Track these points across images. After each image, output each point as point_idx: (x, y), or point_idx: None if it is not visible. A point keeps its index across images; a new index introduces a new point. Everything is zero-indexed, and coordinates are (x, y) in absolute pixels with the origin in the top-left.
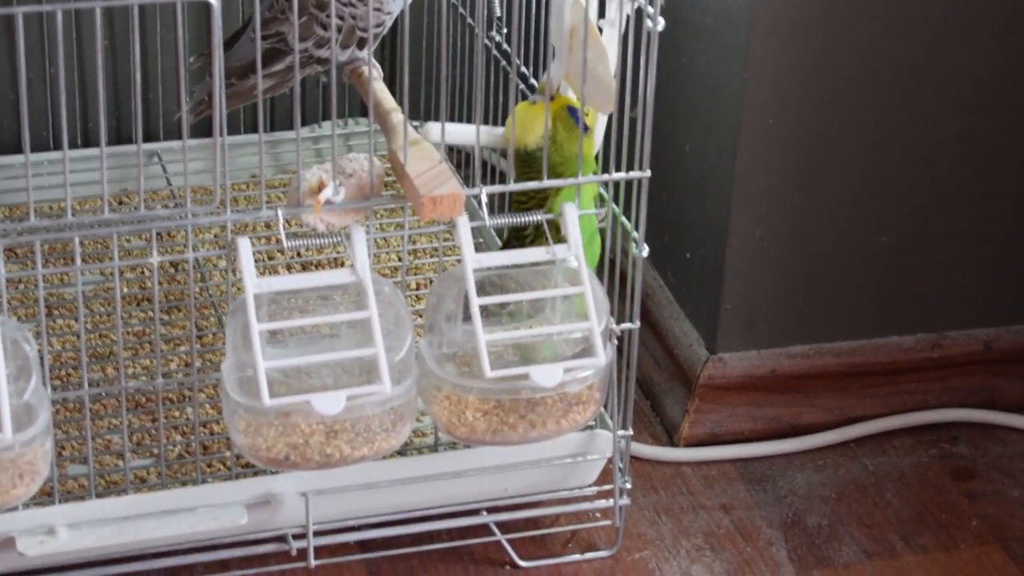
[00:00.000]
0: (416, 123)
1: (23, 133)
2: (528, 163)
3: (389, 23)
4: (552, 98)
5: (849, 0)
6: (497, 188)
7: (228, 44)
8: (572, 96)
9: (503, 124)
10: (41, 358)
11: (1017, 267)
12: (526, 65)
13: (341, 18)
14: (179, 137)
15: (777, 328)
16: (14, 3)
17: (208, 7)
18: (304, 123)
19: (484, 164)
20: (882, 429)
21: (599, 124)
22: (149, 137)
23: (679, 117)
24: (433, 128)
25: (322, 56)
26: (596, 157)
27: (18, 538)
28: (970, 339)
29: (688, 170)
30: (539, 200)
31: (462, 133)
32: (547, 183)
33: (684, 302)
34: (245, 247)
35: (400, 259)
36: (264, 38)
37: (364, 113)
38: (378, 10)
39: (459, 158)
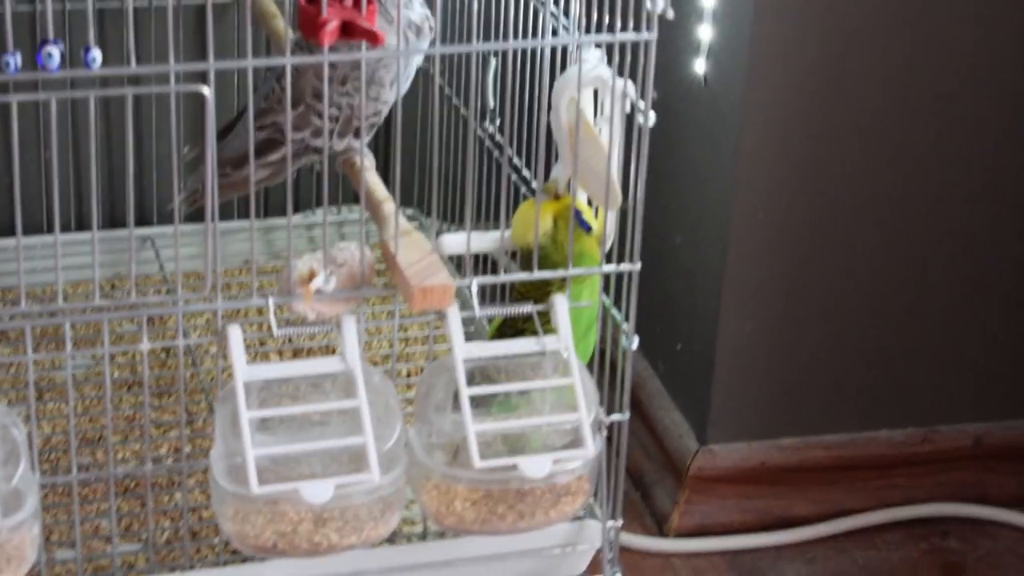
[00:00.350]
0: (409, 211)
1: (16, 219)
2: (530, 260)
3: (385, 112)
4: (557, 197)
5: (841, 98)
6: (488, 279)
7: (223, 134)
8: (582, 196)
9: (495, 216)
10: (30, 442)
11: (1006, 363)
12: (519, 156)
13: (338, 108)
14: (172, 221)
15: (767, 420)
16: (10, 90)
17: (202, 97)
18: (297, 209)
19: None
20: (872, 523)
21: (609, 221)
22: (143, 221)
23: (670, 209)
24: (447, 241)
25: (318, 146)
26: (610, 253)
27: None
28: (960, 434)
29: (679, 262)
30: (543, 294)
31: (465, 244)
32: (537, 275)
33: (675, 393)
34: (236, 336)
35: (391, 346)
36: (260, 128)
37: (357, 200)
38: (374, 100)
39: None
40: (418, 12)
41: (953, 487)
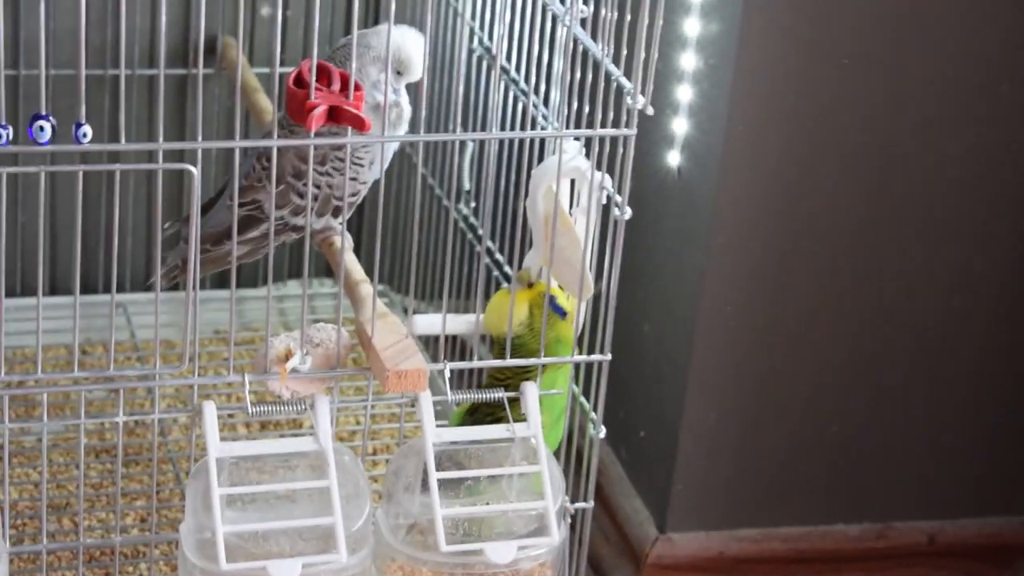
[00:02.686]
0: (380, 287)
1: None
2: (504, 347)
3: (364, 192)
4: (531, 285)
5: (814, 195)
6: (462, 364)
7: (203, 211)
8: (555, 284)
9: (467, 295)
10: (2, 511)
11: (962, 463)
12: (492, 240)
13: (317, 187)
14: (145, 290)
15: (726, 510)
16: None
17: (187, 173)
18: (266, 280)
19: (451, 339)
20: None
21: (580, 310)
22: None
23: (638, 297)
24: (419, 321)
25: (297, 224)
26: (581, 343)
27: None
28: (914, 530)
29: (646, 350)
30: (518, 381)
31: (438, 325)
32: (510, 362)
33: (636, 479)
34: (210, 412)
35: (359, 423)
36: (240, 205)
37: (328, 274)
38: (354, 180)
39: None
40: (403, 97)
41: None
